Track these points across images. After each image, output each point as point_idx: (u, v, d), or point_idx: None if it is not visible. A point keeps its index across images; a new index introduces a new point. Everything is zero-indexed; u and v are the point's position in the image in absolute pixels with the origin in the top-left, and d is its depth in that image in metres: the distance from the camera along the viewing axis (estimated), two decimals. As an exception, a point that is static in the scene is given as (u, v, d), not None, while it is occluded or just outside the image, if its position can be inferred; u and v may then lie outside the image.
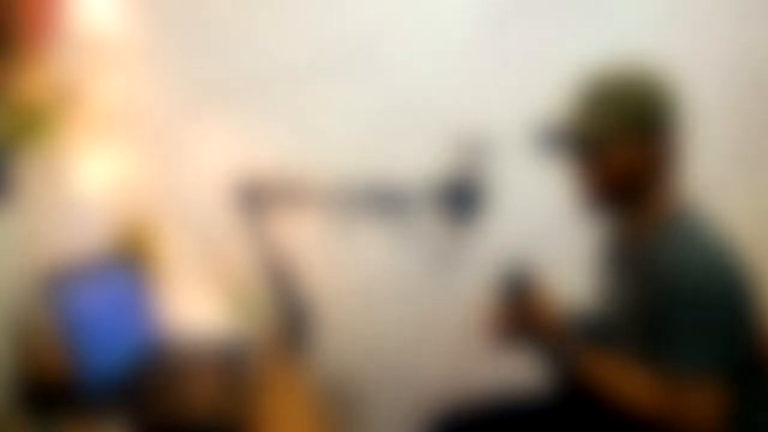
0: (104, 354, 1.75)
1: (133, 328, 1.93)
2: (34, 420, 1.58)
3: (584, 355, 1.66)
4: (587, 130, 1.65)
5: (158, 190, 2.19)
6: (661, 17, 2.32)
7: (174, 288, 2.16)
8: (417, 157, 2.05)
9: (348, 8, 2.27)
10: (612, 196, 1.67)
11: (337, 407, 2.12)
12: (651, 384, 1.56)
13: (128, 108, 2.17)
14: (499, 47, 2.30)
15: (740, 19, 2.35)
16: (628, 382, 1.59)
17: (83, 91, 2.03)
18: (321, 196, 1.95)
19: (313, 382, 1.86)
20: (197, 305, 2.19)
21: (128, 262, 2.04)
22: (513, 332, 1.73)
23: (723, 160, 2.29)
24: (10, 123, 1.74)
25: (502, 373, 2.06)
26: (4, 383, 1.65)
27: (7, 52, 1.75)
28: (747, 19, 2.36)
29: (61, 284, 1.67)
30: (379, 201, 1.94)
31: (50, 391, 1.62)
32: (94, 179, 2.07)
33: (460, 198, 1.94)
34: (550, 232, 2.23)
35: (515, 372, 1.98)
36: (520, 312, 1.71)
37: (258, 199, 1.99)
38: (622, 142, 1.63)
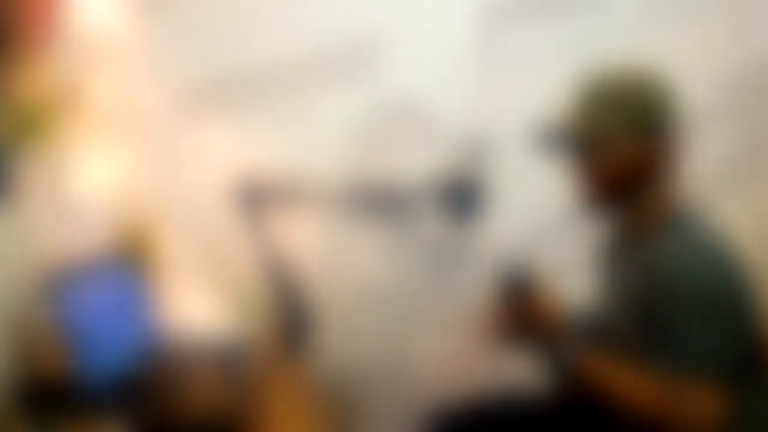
0: (104, 354, 1.75)
1: (133, 328, 1.93)
2: (34, 420, 1.58)
3: (584, 355, 1.65)
4: (587, 130, 1.65)
5: (158, 190, 2.19)
6: (661, 17, 2.32)
7: (174, 288, 2.16)
8: (417, 157, 2.05)
9: (348, 9, 2.27)
10: (612, 196, 1.67)
11: (336, 407, 2.12)
12: (651, 384, 1.56)
13: (128, 108, 2.17)
14: (499, 47, 2.30)
15: (740, 19, 2.35)
16: (628, 382, 1.59)
17: (83, 91, 2.03)
18: (321, 196, 1.95)
19: (312, 381, 1.86)
20: (197, 305, 2.19)
21: (128, 262, 2.04)
22: (513, 332, 1.72)
23: (722, 161, 2.29)
24: (10, 123, 1.74)
25: (501, 373, 2.06)
26: (4, 383, 1.65)
27: (8, 52, 1.75)
28: (747, 20, 2.36)
29: (61, 284, 1.67)
30: (379, 201, 1.94)
31: (50, 391, 1.62)
32: (94, 179, 2.07)
33: (460, 198, 1.94)
34: (550, 232, 2.23)
35: (515, 372, 1.98)
36: (519, 312, 1.71)
37: (258, 199, 1.99)
38: (621, 142, 1.63)
